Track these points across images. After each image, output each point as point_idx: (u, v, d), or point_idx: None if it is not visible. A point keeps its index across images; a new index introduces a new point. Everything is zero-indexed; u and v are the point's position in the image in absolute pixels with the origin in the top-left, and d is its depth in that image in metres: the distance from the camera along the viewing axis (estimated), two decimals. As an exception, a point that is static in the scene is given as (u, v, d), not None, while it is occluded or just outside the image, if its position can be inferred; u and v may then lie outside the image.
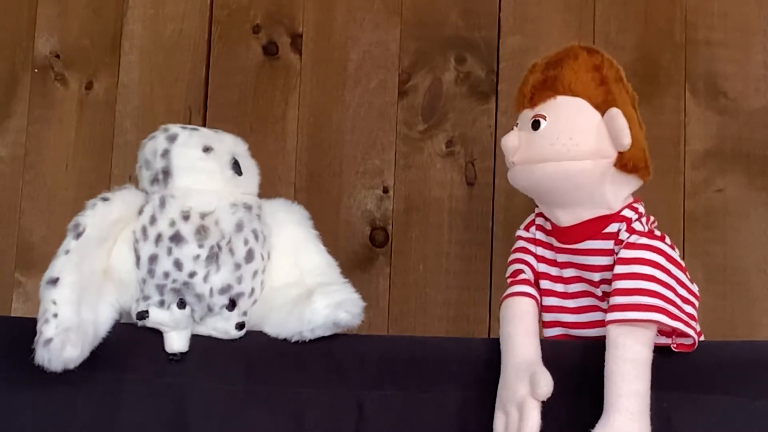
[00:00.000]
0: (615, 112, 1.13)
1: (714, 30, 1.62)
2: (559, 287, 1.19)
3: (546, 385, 1.05)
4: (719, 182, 1.59)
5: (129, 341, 1.21)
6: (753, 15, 1.61)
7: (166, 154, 1.22)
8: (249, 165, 1.26)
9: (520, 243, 1.21)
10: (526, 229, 1.22)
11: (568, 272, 1.18)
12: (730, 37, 1.62)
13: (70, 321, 1.14)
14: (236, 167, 1.23)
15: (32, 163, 1.75)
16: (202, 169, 1.22)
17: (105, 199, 1.20)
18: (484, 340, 1.27)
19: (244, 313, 1.22)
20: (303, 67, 1.71)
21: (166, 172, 1.21)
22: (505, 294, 1.18)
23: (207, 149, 1.22)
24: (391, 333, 1.61)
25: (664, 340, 1.11)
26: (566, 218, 1.16)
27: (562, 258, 1.18)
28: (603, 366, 1.07)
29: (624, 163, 1.13)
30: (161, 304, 1.19)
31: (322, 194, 1.67)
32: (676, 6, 1.63)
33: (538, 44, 1.63)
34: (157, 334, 1.20)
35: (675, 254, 1.13)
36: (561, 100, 1.14)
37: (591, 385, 1.09)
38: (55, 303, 1.14)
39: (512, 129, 1.17)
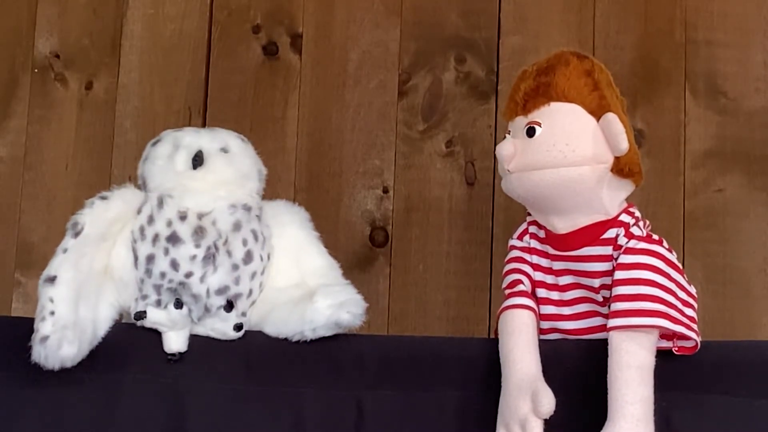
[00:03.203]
0: (611, 117, 1.13)
1: (714, 30, 1.62)
2: (555, 295, 1.18)
3: (548, 403, 1.05)
4: (719, 182, 1.59)
5: (128, 341, 1.21)
6: (753, 15, 1.61)
7: (144, 160, 1.24)
8: (221, 161, 1.22)
9: (515, 252, 1.21)
10: (520, 238, 1.21)
11: (565, 279, 1.18)
12: (730, 37, 1.61)
13: (66, 319, 1.14)
14: (196, 161, 1.21)
15: (32, 163, 1.75)
16: (162, 167, 1.22)
17: (103, 198, 1.21)
18: (483, 340, 1.27)
19: (243, 314, 1.22)
20: (303, 67, 1.71)
21: (143, 177, 1.24)
22: (503, 306, 1.17)
23: (176, 147, 1.23)
24: (391, 333, 1.61)
25: (665, 344, 1.11)
26: (563, 225, 1.15)
27: (558, 265, 1.18)
28: (604, 364, 1.07)
29: (620, 167, 1.13)
30: (158, 303, 1.19)
31: (322, 194, 1.67)
32: (676, 6, 1.63)
33: (538, 44, 1.63)
34: (156, 334, 1.20)
35: (673, 257, 1.13)
36: (555, 106, 1.14)
37: (592, 384, 1.09)
38: (52, 301, 1.15)
39: (505, 137, 1.17)
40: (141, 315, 1.20)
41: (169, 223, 1.19)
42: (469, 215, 1.64)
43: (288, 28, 1.72)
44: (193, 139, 1.23)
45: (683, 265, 1.51)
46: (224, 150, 1.23)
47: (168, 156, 1.22)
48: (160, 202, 1.20)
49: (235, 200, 1.22)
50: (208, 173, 1.22)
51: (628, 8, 1.64)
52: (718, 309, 1.55)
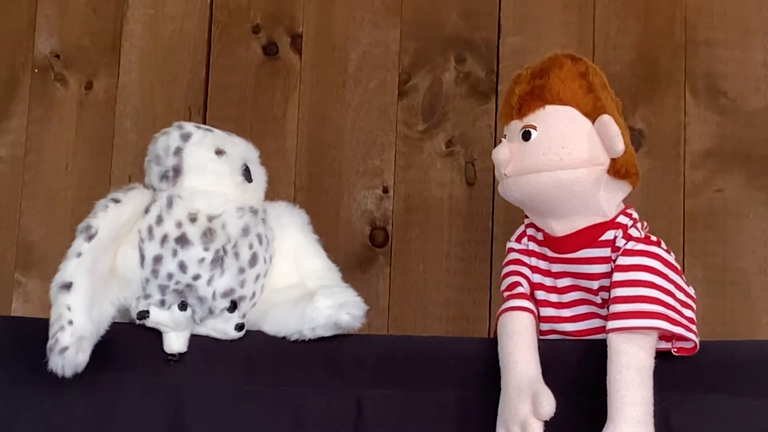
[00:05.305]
0: (607, 119, 1.13)
1: (714, 30, 1.62)
2: (554, 297, 1.19)
3: (549, 404, 1.05)
4: (719, 182, 1.59)
5: (128, 341, 1.21)
6: (753, 15, 1.61)
7: (178, 151, 1.22)
8: (258, 172, 1.26)
9: (514, 255, 1.21)
10: (518, 240, 1.21)
11: (563, 282, 1.18)
12: (730, 37, 1.61)
13: (84, 328, 1.14)
14: (247, 173, 1.23)
15: (32, 163, 1.75)
16: (213, 171, 1.22)
17: (116, 201, 1.19)
18: (482, 340, 1.27)
19: (243, 315, 1.22)
20: (303, 67, 1.71)
21: (177, 170, 1.21)
22: (502, 309, 1.17)
23: (219, 152, 1.22)
24: (391, 333, 1.61)
25: (664, 345, 1.11)
26: (560, 228, 1.16)
27: (556, 268, 1.18)
28: (603, 365, 1.07)
29: (617, 169, 1.13)
30: (162, 303, 1.19)
31: (322, 194, 1.67)
32: (676, 6, 1.63)
33: (538, 44, 1.63)
34: (156, 334, 1.20)
35: (671, 258, 1.13)
36: (550, 109, 1.14)
37: (591, 385, 1.09)
38: (69, 309, 1.13)
39: (501, 141, 1.17)
40: (144, 315, 1.19)
41: (179, 225, 1.18)
42: (469, 215, 1.64)
43: (288, 28, 1.72)
44: (238, 150, 1.24)
45: (683, 265, 1.52)
46: (256, 162, 1.27)
47: (211, 159, 1.22)
48: (170, 202, 1.19)
49: (242, 203, 1.22)
50: (255, 186, 1.24)
51: (628, 8, 1.64)
52: (718, 309, 1.55)
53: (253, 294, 1.22)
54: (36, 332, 1.15)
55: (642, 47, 1.63)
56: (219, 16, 1.74)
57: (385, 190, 1.66)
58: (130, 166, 1.70)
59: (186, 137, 1.22)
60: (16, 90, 1.76)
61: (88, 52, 1.76)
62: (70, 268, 1.15)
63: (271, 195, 1.30)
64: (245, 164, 1.24)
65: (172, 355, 1.20)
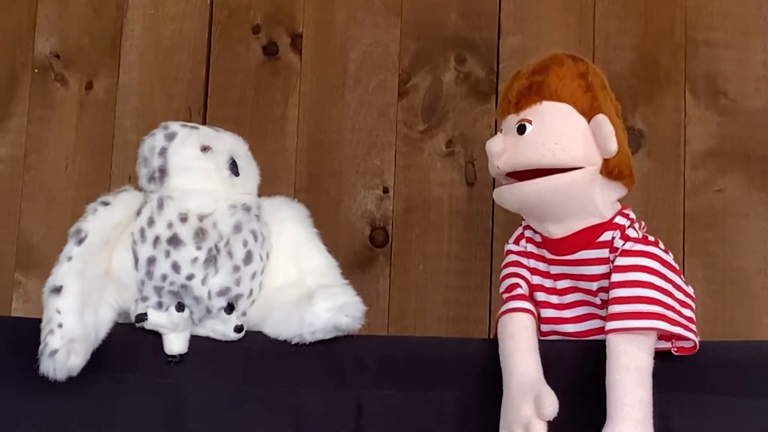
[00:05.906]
0: (601, 118, 1.12)
1: (714, 30, 1.62)
2: (554, 299, 1.19)
3: (551, 405, 1.05)
4: (719, 182, 1.59)
5: (129, 341, 1.21)
6: (753, 15, 1.61)
7: (163, 152, 1.22)
8: (248, 165, 1.26)
9: (512, 257, 1.21)
10: (516, 242, 1.21)
11: (563, 283, 1.18)
12: (730, 37, 1.61)
13: (74, 331, 1.14)
14: (233, 167, 1.23)
15: (32, 163, 1.75)
16: (198, 168, 1.21)
17: (106, 204, 1.19)
18: (482, 340, 1.27)
19: (243, 314, 1.22)
20: (303, 67, 1.71)
21: (163, 171, 1.21)
22: (501, 310, 1.17)
23: (205, 148, 1.22)
24: (391, 333, 1.61)
25: (664, 345, 1.11)
26: (558, 231, 1.15)
27: (555, 270, 1.18)
28: (604, 366, 1.07)
29: (610, 169, 1.13)
30: (159, 306, 1.19)
31: (322, 194, 1.67)
32: (676, 6, 1.63)
33: (538, 44, 1.63)
34: (156, 336, 1.20)
35: (670, 258, 1.13)
36: (547, 105, 1.14)
37: (592, 385, 1.09)
38: (59, 312, 1.14)
39: (497, 133, 1.17)
40: (142, 317, 1.19)
41: (170, 225, 1.19)
42: (469, 215, 1.64)
43: (288, 28, 1.72)
44: (224, 144, 1.23)
45: (683, 265, 1.52)
46: (245, 155, 1.26)
47: (196, 157, 1.21)
48: (160, 204, 1.20)
49: (235, 200, 1.22)
50: (244, 179, 1.24)
51: (628, 8, 1.64)
52: (718, 309, 1.55)
53: (251, 291, 1.22)
54: (36, 332, 1.15)
55: (642, 47, 1.63)
56: (219, 16, 1.74)
57: (385, 190, 1.66)
58: (130, 166, 1.69)
59: (170, 137, 1.22)
60: (16, 90, 1.77)
61: (88, 52, 1.76)
62: (61, 272, 1.15)
63: (271, 195, 1.30)
64: (232, 158, 1.23)
65: (173, 356, 1.20)
